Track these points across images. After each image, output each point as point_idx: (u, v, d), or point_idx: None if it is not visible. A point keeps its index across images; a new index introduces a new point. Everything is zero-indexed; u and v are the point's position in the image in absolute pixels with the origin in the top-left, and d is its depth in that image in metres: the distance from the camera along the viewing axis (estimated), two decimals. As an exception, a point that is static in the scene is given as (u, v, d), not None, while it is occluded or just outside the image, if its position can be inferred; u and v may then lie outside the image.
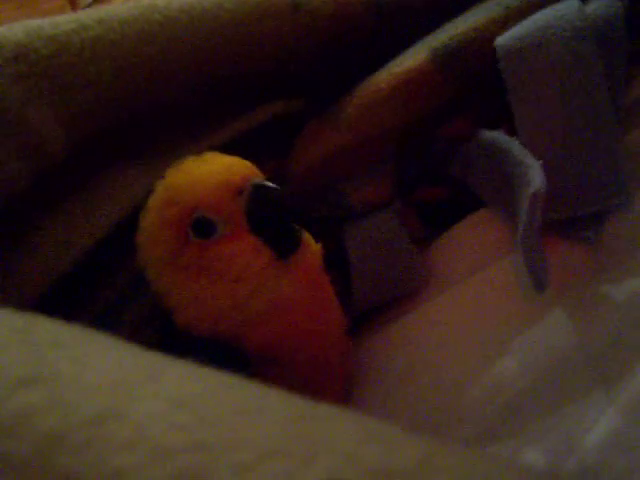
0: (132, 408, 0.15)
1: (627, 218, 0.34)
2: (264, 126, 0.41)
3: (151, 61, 0.35)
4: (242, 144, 0.39)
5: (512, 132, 0.36)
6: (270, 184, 0.31)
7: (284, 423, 0.15)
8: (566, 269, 0.34)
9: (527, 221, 0.31)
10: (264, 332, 0.31)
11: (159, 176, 0.32)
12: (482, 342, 0.34)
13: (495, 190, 0.37)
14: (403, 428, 0.16)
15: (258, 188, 0.31)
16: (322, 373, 0.33)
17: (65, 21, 0.33)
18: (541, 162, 0.32)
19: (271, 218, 0.31)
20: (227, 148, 0.35)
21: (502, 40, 0.36)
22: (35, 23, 0.32)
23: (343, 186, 0.40)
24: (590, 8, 0.35)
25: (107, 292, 0.36)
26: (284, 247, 0.31)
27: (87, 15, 0.34)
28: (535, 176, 0.31)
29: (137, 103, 0.35)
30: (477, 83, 0.38)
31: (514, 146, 0.34)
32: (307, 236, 0.33)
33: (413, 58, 0.38)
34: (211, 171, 0.31)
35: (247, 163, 0.32)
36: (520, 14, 0.37)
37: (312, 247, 0.33)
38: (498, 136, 0.36)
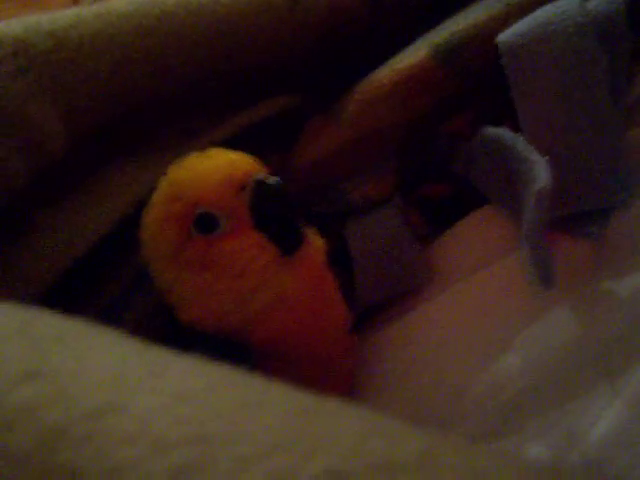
0: (133, 402, 0.15)
1: (631, 214, 0.34)
2: (267, 122, 0.41)
3: (149, 55, 0.35)
4: (244, 139, 0.39)
5: (515, 129, 0.36)
6: (273, 180, 0.31)
7: (286, 417, 0.15)
8: (569, 265, 0.33)
9: (533, 218, 0.31)
10: (267, 328, 0.31)
11: (161, 172, 0.32)
12: (485, 339, 0.34)
13: (498, 187, 0.37)
14: (405, 422, 0.16)
15: (261, 183, 0.30)
16: (325, 369, 0.33)
17: (63, 16, 0.33)
18: (547, 158, 0.32)
19: (274, 214, 0.31)
20: (229, 143, 0.35)
21: (504, 37, 0.35)
22: (33, 19, 0.32)
23: (344, 182, 0.40)
24: (591, 4, 0.35)
25: (111, 288, 0.36)
26: (287, 243, 0.31)
27: (85, 10, 0.34)
28: (541, 172, 0.31)
29: (136, 98, 0.35)
30: (479, 80, 0.38)
31: (518, 142, 0.34)
32: (311, 232, 0.33)
33: (414, 55, 0.38)
34: (214, 167, 0.31)
35: (250, 158, 0.32)
36: (521, 11, 0.36)
37: (316, 243, 0.33)
38: (502, 132, 0.36)
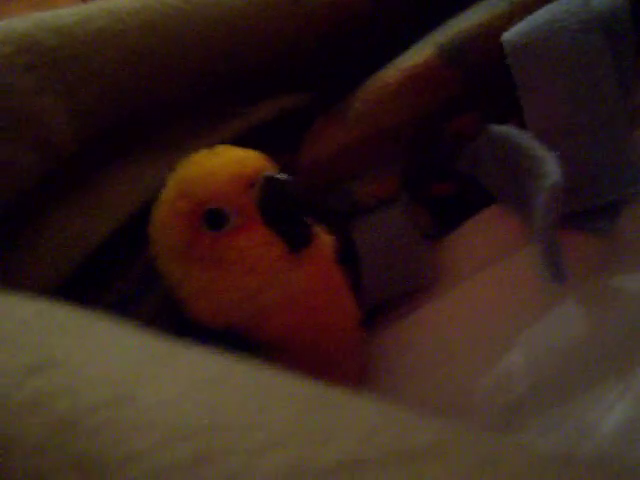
0: (146, 391, 0.15)
1: None
2: (273, 121, 0.41)
3: (155, 52, 0.35)
4: (253, 137, 0.39)
5: (521, 127, 0.36)
6: (282, 176, 0.31)
7: (299, 406, 0.15)
8: (579, 261, 0.33)
9: (545, 213, 0.31)
10: (276, 323, 0.31)
11: (169, 169, 0.32)
12: (493, 336, 0.34)
13: (505, 185, 0.37)
14: (416, 412, 0.16)
15: (270, 180, 0.31)
16: (334, 365, 0.33)
17: (70, 13, 0.33)
18: (556, 154, 0.32)
19: (283, 210, 0.31)
20: (238, 141, 0.35)
21: (509, 36, 0.35)
22: (41, 15, 0.33)
23: (350, 182, 0.40)
24: (595, 1, 0.35)
25: (120, 285, 0.36)
26: (296, 239, 0.31)
27: (91, 7, 0.34)
28: (552, 168, 0.31)
29: (143, 95, 0.36)
30: (485, 78, 0.38)
31: (526, 139, 0.34)
32: (320, 228, 0.33)
33: (419, 54, 0.38)
34: (223, 163, 0.31)
35: (259, 155, 0.32)
36: (525, 9, 0.36)
37: (324, 239, 0.33)
38: (508, 130, 0.36)
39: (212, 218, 0.30)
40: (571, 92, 0.34)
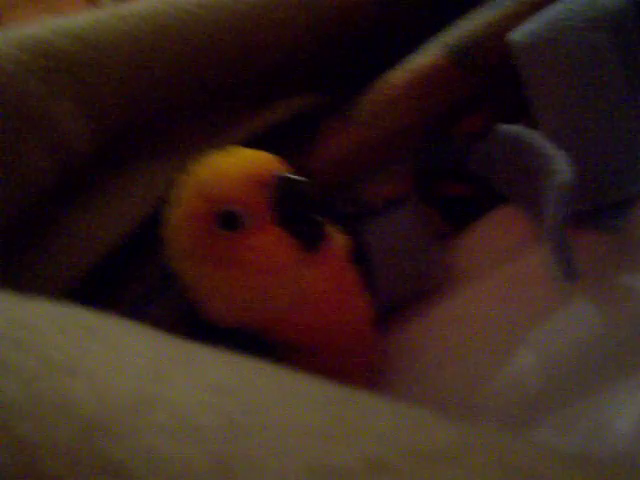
0: (171, 394, 0.16)
1: None
2: (285, 122, 0.41)
3: (169, 56, 0.35)
4: (264, 140, 0.39)
5: (532, 126, 0.36)
6: (296, 177, 0.31)
7: (319, 407, 0.16)
8: (590, 260, 0.33)
9: (555, 211, 0.31)
10: (291, 323, 0.31)
11: (182, 171, 0.33)
12: (505, 336, 0.34)
13: (516, 184, 0.37)
14: (434, 412, 0.16)
15: (284, 180, 0.31)
16: (348, 364, 0.33)
17: (84, 19, 0.34)
18: (566, 152, 0.32)
19: (297, 210, 0.31)
20: (250, 142, 0.35)
21: (515, 36, 0.36)
22: (56, 21, 0.33)
23: (361, 183, 0.41)
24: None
25: (135, 286, 0.37)
26: (310, 239, 0.31)
27: (105, 13, 0.34)
28: (562, 166, 0.31)
29: (157, 99, 0.36)
30: (494, 78, 0.38)
31: (536, 138, 0.34)
32: (333, 228, 0.33)
33: (428, 55, 0.38)
34: (237, 164, 0.31)
35: (272, 156, 0.32)
36: (532, 8, 0.36)
37: (338, 239, 0.33)
38: (518, 129, 0.36)
39: (226, 219, 0.30)
40: (580, 90, 0.34)
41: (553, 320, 0.33)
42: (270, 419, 0.15)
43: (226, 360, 0.18)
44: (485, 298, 0.36)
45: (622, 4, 0.34)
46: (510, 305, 0.35)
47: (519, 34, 0.35)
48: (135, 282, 0.37)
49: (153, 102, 0.36)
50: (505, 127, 0.37)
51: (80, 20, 0.33)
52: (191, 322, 0.34)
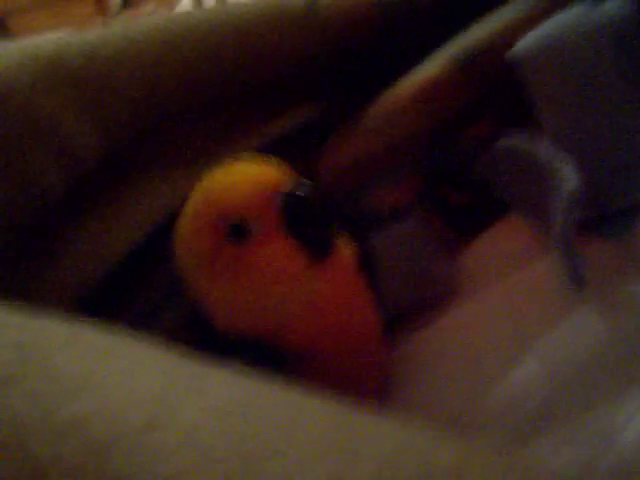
0: (178, 416, 0.16)
1: None
2: (293, 133, 0.41)
3: (176, 69, 0.36)
4: (273, 148, 0.39)
5: (536, 132, 0.36)
6: (304, 187, 0.31)
7: (326, 428, 0.16)
8: (595, 268, 0.33)
9: (564, 219, 0.31)
10: (300, 332, 0.31)
11: (191, 182, 0.33)
12: (510, 345, 0.34)
13: (522, 194, 0.37)
14: (438, 432, 0.16)
15: (292, 191, 0.31)
16: (358, 373, 0.34)
17: (93, 35, 0.34)
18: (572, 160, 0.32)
19: (306, 220, 0.31)
20: (259, 152, 0.35)
21: (518, 49, 0.36)
22: (65, 38, 0.33)
23: (368, 192, 0.41)
24: (604, 8, 0.35)
25: (144, 297, 0.37)
26: (319, 249, 0.31)
27: (113, 29, 0.35)
28: (570, 173, 0.31)
29: (166, 111, 0.36)
30: (499, 87, 0.38)
31: (541, 147, 0.34)
32: (342, 237, 0.33)
33: (434, 65, 0.39)
34: (246, 175, 0.31)
35: (281, 166, 0.32)
36: (534, 20, 0.37)
37: (346, 248, 0.34)
38: (521, 139, 0.36)
39: (236, 230, 0.31)
40: (583, 99, 0.34)
41: (559, 328, 0.33)
42: (280, 438, 0.15)
43: (237, 380, 0.18)
44: (492, 306, 0.36)
45: (623, 13, 0.34)
46: (516, 313, 0.35)
47: (521, 47, 0.35)
48: (144, 291, 0.37)
49: (161, 114, 0.36)
50: (510, 135, 0.37)
51: (89, 35, 0.34)
52: (200, 331, 0.34)
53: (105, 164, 0.35)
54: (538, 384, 0.32)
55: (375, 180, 0.41)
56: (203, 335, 0.33)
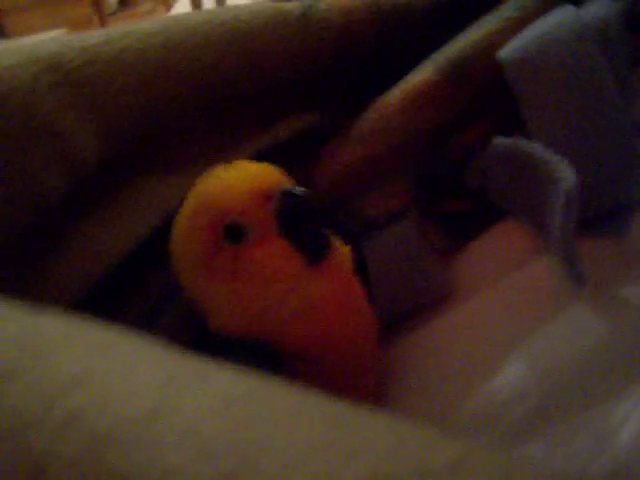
0: (179, 408, 0.16)
1: None
2: (290, 139, 0.42)
3: (175, 71, 0.36)
4: (269, 156, 0.40)
5: (526, 137, 0.36)
6: (299, 190, 0.31)
7: (323, 423, 0.16)
8: (590, 267, 0.34)
9: (562, 217, 0.31)
10: (296, 334, 0.31)
11: (188, 185, 0.33)
12: (505, 345, 0.34)
13: (517, 196, 0.38)
14: (435, 429, 0.17)
15: (287, 193, 0.31)
16: (353, 374, 0.34)
17: (93, 35, 0.34)
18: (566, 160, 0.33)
19: (301, 223, 0.31)
20: (255, 158, 0.35)
21: (504, 52, 0.36)
22: (66, 37, 0.34)
23: (361, 198, 0.41)
24: (587, 10, 0.36)
25: (141, 298, 0.37)
26: (314, 251, 0.31)
27: (114, 29, 0.35)
28: (566, 173, 0.32)
29: (165, 112, 0.36)
30: (487, 93, 0.39)
31: (536, 147, 0.35)
32: (336, 239, 0.34)
33: (421, 73, 0.40)
34: (241, 178, 0.31)
35: (276, 169, 0.32)
36: (520, 24, 0.37)
37: (342, 251, 0.34)
38: (515, 141, 0.37)
39: (231, 232, 0.31)
40: (572, 99, 0.34)
41: (553, 329, 0.33)
42: (278, 434, 0.15)
43: (235, 376, 0.18)
44: (487, 308, 0.36)
45: (606, 16, 0.35)
46: (512, 315, 0.35)
47: (508, 51, 0.36)
48: (143, 293, 0.37)
49: (162, 116, 0.36)
50: (502, 140, 0.37)
51: (87, 36, 0.34)
52: (197, 333, 0.34)
53: (106, 165, 0.35)
54: (532, 385, 0.32)
55: (368, 187, 0.41)
56: (200, 336, 0.33)
